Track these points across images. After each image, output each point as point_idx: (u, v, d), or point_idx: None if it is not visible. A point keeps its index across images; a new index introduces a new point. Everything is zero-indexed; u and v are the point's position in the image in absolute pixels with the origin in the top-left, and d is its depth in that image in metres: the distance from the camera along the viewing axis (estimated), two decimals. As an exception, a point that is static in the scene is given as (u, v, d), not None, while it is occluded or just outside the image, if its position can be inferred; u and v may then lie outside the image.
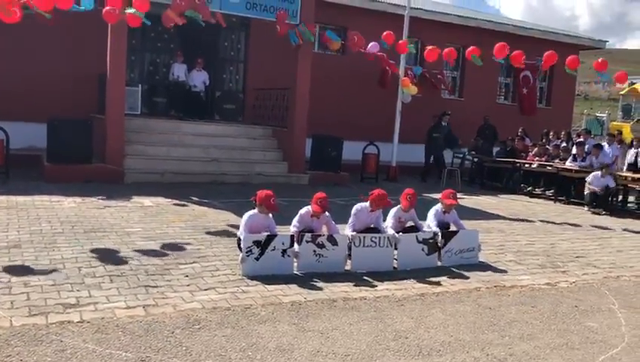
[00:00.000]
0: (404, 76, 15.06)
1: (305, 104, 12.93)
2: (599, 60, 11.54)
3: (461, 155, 16.17)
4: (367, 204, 6.68)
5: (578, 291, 6.27)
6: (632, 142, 13.36)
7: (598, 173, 11.84)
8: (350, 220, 6.67)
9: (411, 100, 15.68)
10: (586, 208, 12.06)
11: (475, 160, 15.75)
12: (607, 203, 11.99)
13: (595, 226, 10.34)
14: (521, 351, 4.47)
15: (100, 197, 9.32)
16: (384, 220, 6.96)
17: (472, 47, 12.52)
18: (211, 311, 4.81)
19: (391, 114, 15.10)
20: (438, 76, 18.23)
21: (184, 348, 4.04)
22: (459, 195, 12.47)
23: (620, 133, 14.94)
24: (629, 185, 12.44)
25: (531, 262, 7.36)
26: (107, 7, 8.97)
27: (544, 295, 6.04)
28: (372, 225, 6.72)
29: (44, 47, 12.80)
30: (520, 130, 16.81)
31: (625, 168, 13.19)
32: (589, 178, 11.95)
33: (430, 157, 16.44)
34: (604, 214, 11.58)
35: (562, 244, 8.61)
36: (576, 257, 7.85)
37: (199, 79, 14.17)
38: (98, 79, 12.28)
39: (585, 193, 12.09)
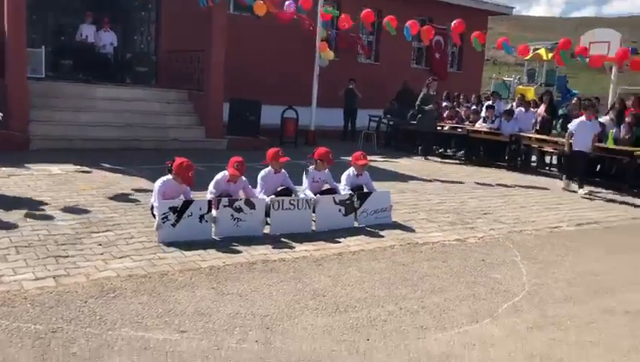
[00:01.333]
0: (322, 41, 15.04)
1: (220, 67, 12.64)
2: (500, 38, 12.12)
3: (377, 119, 16.47)
4: (270, 167, 6.79)
5: (485, 246, 6.65)
6: (529, 103, 14.08)
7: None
8: (259, 186, 6.72)
9: (328, 65, 15.71)
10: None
11: (391, 123, 16.09)
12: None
13: (501, 185, 10.92)
14: (432, 304, 4.71)
15: (2, 165, 8.75)
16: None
17: (388, 15, 12.66)
18: (127, 279, 4.70)
19: (309, 78, 15.08)
20: (357, 41, 18.34)
21: (98, 317, 3.94)
22: (376, 158, 12.95)
23: (523, 96, 15.68)
24: (533, 146, 13.19)
25: (442, 220, 7.69)
26: None
27: (454, 250, 6.36)
28: (281, 187, 6.80)
29: None
30: (445, 93, 17.26)
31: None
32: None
33: (348, 120, 16.70)
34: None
35: (471, 202, 9.04)
36: (484, 214, 8.28)
37: (107, 40, 13.48)
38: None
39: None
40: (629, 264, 6.34)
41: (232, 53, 13.27)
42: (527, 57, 24.93)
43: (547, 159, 13.67)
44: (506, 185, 10.87)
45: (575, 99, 14.68)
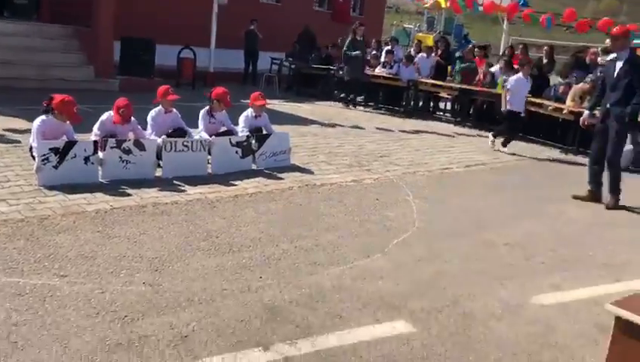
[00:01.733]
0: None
1: (110, 1, 11.76)
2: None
3: (279, 62, 16.19)
4: (161, 107, 6.52)
5: (380, 186, 6.81)
6: (430, 49, 14.40)
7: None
8: (149, 127, 6.43)
9: (228, 4, 15.09)
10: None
11: (292, 66, 15.88)
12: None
13: (399, 130, 11.17)
14: (327, 241, 4.77)
15: None
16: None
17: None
18: (1, 223, 4.35)
19: (208, 17, 14.44)
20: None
21: (-35, 265, 3.63)
22: (278, 101, 12.79)
23: (421, 42, 16.02)
24: (429, 91, 13.57)
25: (340, 163, 7.77)
26: None
27: (350, 191, 6.46)
28: (171, 129, 6.54)
29: None
30: (339, 39, 17.19)
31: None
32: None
33: (249, 63, 16.29)
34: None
35: (369, 146, 9.19)
36: (380, 156, 8.46)
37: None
38: None
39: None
40: (510, 201, 6.76)
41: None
42: (426, 4, 25.45)
43: (441, 105, 14.14)
44: (403, 130, 11.14)
45: (470, 45, 15.19)
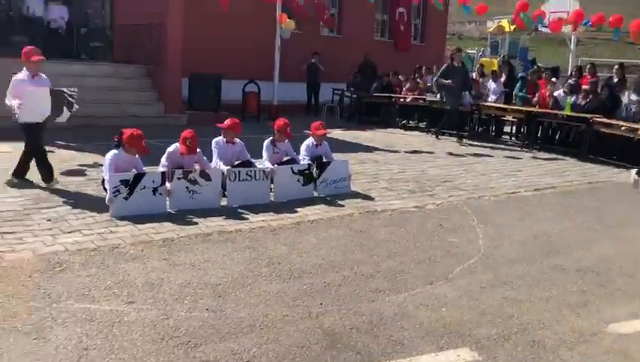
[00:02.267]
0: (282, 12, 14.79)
1: (178, 41, 12.35)
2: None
3: (340, 92, 16.38)
4: (223, 137, 6.73)
5: (443, 212, 6.68)
6: (495, 73, 14.17)
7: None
8: (214, 154, 6.65)
9: (290, 38, 15.49)
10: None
11: (354, 96, 16.02)
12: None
13: (463, 154, 10.99)
14: (387, 267, 4.71)
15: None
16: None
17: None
18: (75, 253, 4.57)
19: (270, 51, 14.86)
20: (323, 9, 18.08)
21: (43, 291, 3.82)
22: (339, 130, 12.89)
23: (483, 66, 15.82)
24: (494, 115, 13.31)
25: (402, 188, 7.71)
26: None
27: (412, 217, 6.38)
28: (237, 160, 6.70)
29: None
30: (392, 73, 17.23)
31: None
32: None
33: (311, 94, 16.59)
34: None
35: (431, 171, 9.08)
36: (443, 182, 8.32)
37: (57, 14, 13.00)
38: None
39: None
40: (582, 225, 6.46)
41: (191, 26, 12.96)
42: (490, 28, 25.15)
43: (507, 128, 13.82)
44: (467, 154, 10.94)
45: (535, 67, 14.85)
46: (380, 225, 5.93)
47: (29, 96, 6.31)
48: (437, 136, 12.79)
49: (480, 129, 13.53)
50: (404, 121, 14.77)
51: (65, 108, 6.85)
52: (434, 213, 6.57)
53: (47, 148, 7.99)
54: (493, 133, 13.63)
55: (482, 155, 10.92)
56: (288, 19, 14.57)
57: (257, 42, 15.92)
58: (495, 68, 16.01)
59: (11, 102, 6.33)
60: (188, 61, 12.67)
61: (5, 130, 9.70)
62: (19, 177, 6.53)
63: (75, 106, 7.02)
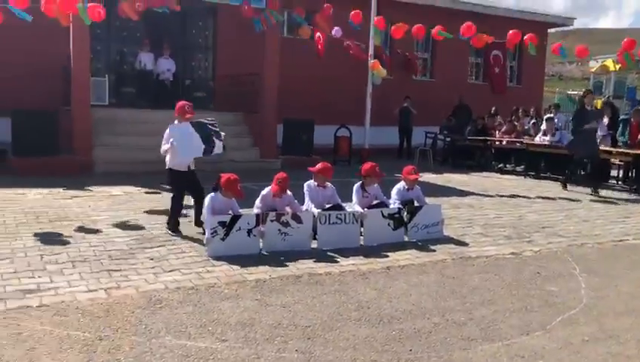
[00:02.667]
0: (374, 59, 15.06)
1: (274, 89, 12.90)
2: (555, 44, 11.71)
3: (433, 135, 16.28)
4: (313, 181, 6.86)
5: (542, 259, 6.38)
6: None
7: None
8: (305, 196, 6.78)
9: (382, 82, 15.69)
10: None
11: (447, 139, 15.86)
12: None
13: (563, 198, 10.49)
14: (481, 316, 4.54)
15: (66, 187, 9.21)
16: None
17: (438, 25, 12.51)
18: (174, 290, 4.80)
19: (362, 96, 15.12)
20: (409, 57, 18.27)
21: (144, 326, 4.03)
22: (432, 174, 12.77)
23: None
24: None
25: (498, 234, 7.46)
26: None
27: (508, 263, 6.14)
28: (328, 203, 6.77)
29: (6, 41, 12.54)
30: (492, 109, 16.99)
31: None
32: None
33: (403, 138, 16.62)
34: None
35: (530, 216, 8.73)
36: (543, 228, 7.97)
37: (165, 67, 14.06)
38: (62, 70, 12.08)
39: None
40: (701, 277, 5.92)
41: (286, 74, 13.52)
42: (593, 68, 24.15)
43: (613, 172, 13.05)
44: (568, 199, 10.44)
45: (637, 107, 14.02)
46: (474, 272, 5.75)
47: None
48: (564, 186, 11.53)
49: (583, 172, 12.87)
50: (501, 165, 14.38)
51: (215, 140, 6.75)
52: (531, 261, 6.29)
53: (153, 191, 8.58)
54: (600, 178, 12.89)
55: (585, 201, 10.36)
56: (380, 67, 14.78)
57: (349, 88, 16.28)
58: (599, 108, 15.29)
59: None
60: (281, 106, 13.16)
61: (119, 175, 10.50)
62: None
63: (222, 133, 6.83)
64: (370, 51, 14.65)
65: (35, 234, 6.35)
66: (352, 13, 13.25)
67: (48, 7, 8.72)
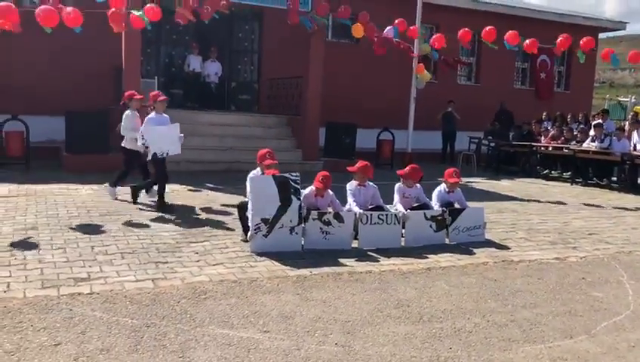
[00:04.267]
0: (419, 62, 14.99)
1: (317, 92, 12.99)
2: (605, 49, 11.39)
3: (477, 140, 16.08)
4: (354, 180, 6.89)
5: (587, 265, 6.26)
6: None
7: None
8: (349, 197, 6.80)
9: (426, 87, 15.60)
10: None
11: (492, 144, 15.63)
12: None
13: (612, 206, 10.22)
14: (522, 318, 4.50)
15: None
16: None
17: (484, 30, 12.35)
18: (218, 283, 4.93)
19: (405, 100, 15.05)
20: (455, 59, 18.04)
21: (189, 315, 4.16)
22: (476, 179, 12.62)
23: (637, 114, 14.72)
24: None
25: (542, 239, 7.34)
26: (112, 9, 9.01)
27: (552, 268, 6.04)
28: (370, 204, 6.80)
29: (60, 42, 13.04)
30: (544, 114, 16.67)
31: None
32: None
33: (446, 143, 16.48)
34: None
35: (576, 223, 8.55)
36: (589, 234, 7.80)
37: (212, 70, 14.36)
38: (115, 72, 12.49)
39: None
40: None
41: (329, 78, 13.62)
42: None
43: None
44: (616, 206, 10.17)
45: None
46: (517, 276, 5.69)
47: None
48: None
49: (633, 179, 12.49)
50: (546, 171, 14.09)
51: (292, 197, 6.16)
52: (576, 266, 6.18)
53: (196, 188, 8.91)
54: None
55: (635, 208, 10.07)
56: (425, 71, 14.70)
57: (392, 91, 16.25)
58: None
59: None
60: (324, 109, 13.25)
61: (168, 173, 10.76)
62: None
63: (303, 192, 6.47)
64: (415, 54, 14.56)
65: (87, 227, 6.61)
66: (397, 21, 13.21)
67: (114, 17, 9.02)
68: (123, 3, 8.97)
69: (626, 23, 21.74)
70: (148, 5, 9.20)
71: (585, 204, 10.24)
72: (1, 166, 10.66)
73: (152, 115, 8.06)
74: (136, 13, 9.06)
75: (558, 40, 12.03)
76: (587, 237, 7.59)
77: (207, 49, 14.50)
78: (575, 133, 13.96)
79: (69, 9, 8.41)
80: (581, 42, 11.41)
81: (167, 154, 8.11)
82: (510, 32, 12.00)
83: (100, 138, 11.14)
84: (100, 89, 13.09)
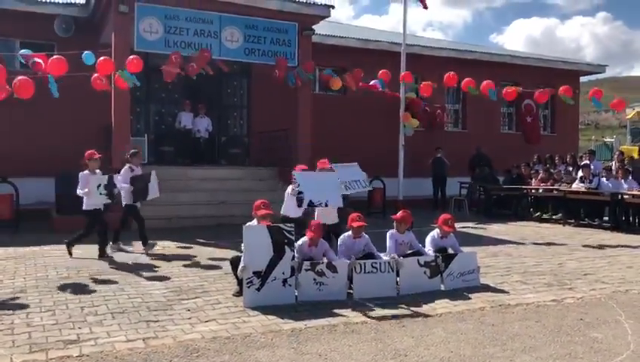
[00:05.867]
0: (405, 111, 15.22)
1: (307, 143, 13.14)
2: (594, 89, 11.62)
3: (467, 185, 16.18)
4: (350, 232, 6.84)
5: (584, 305, 6.19)
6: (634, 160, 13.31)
7: None
8: (339, 250, 6.75)
9: (414, 134, 15.80)
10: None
11: (481, 189, 15.72)
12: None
13: (605, 245, 10.22)
14: (523, 363, 4.41)
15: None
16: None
17: (466, 78, 12.62)
18: (211, 340, 4.82)
19: (394, 148, 15.21)
20: (438, 111, 18.37)
21: (181, 375, 4.05)
22: (468, 224, 12.62)
23: (623, 153, 14.91)
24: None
25: (537, 282, 7.28)
26: (95, 75, 9.16)
27: (549, 310, 5.97)
28: (362, 254, 6.76)
29: (49, 104, 13.16)
30: (535, 156, 16.84)
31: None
32: None
33: (437, 189, 16.55)
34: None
35: (570, 264, 8.51)
36: (584, 275, 7.75)
37: (202, 125, 14.52)
38: (104, 131, 12.57)
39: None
40: None
41: (318, 128, 13.79)
42: (629, 115, 23.85)
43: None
44: (609, 246, 10.16)
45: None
46: (514, 319, 5.61)
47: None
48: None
49: (623, 219, 12.54)
50: (538, 213, 14.14)
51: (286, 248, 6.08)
52: (574, 307, 6.11)
53: (186, 245, 8.87)
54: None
55: (628, 247, 10.07)
56: (411, 119, 14.93)
57: (381, 140, 16.42)
58: (637, 156, 15.06)
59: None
60: (315, 160, 13.32)
61: (157, 230, 10.70)
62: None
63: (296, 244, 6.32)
64: (401, 104, 14.82)
65: (77, 287, 6.50)
66: (381, 72, 13.51)
67: (96, 82, 9.17)
68: (112, 68, 9.10)
69: (605, 65, 22.33)
70: (130, 58, 9.34)
71: (579, 245, 10.22)
72: (-10, 229, 10.58)
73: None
74: (119, 73, 9.21)
75: (538, 92, 12.27)
76: (583, 278, 7.54)
77: (196, 105, 14.69)
78: (562, 174, 14.09)
79: (20, 77, 8.16)
80: (561, 89, 11.66)
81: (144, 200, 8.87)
82: (485, 81, 12.24)
83: (89, 198, 11.08)
84: (92, 148, 13.10)
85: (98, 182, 8.26)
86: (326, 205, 6.79)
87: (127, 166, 9.05)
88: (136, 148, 9.60)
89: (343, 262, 6.38)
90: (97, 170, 8.42)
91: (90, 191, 8.19)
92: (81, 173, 8.36)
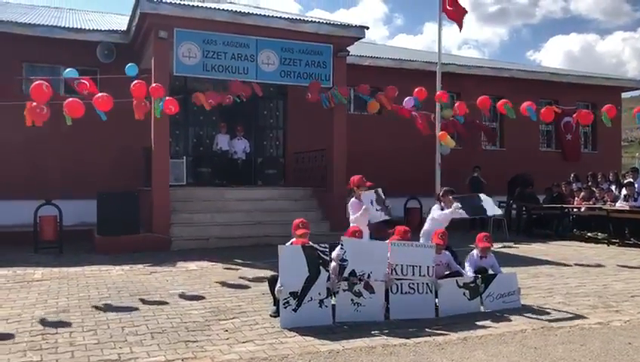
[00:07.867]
0: (442, 130, 15.09)
1: (342, 164, 13.14)
2: (636, 108, 11.31)
3: (506, 204, 15.89)
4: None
5: (632, 329, 5.97)
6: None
7: None
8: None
9: (451, 153, 15.64)
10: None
11: (522, 208, 15.41)
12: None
13: (652, 266, 9.87)
14: (568, 388, 4.27)
15: (146, 264, 9.59)
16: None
17: (503, 99, 12.41)
18: (248, 361, 4.83)
19: (431, 167, 15.07)
20: (482, 127, 18.16)
21: (219, 395, 4.06)
22: (508, 244, 12.37)
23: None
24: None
25: (582, 303, 7.07)
26: (135, 101, 9.34)
27: (595, 334, 5.78)
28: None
29: (90, 127, 13.56)
30: (572, 175, 16.49)
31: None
32: None
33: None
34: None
35: (616, 285, 8.24)
36: (632, 296, 7.49)
37: (240, 147, 14.70)
38: (143, 153, 12.84)
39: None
40: None
41: (354, 148, 13.79)
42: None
43: None
44: (657, 267, 9.81)
45: None
46: (557, 342, 5.45)
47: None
48: None
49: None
50: (581, 233, 13.76)
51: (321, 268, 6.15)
52: (620, 331, 5.90)
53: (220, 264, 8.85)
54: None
55: (677, 267, 9.70)
56: (448, 138, 14.78)
57: (418, 159, 16.30)
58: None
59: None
60: (348, 178, 13.31)
61: (195, 251, 10.84)
62: None
63: (332, 264, 6.38)
64: (437, 123, 14.70)
65: (118, 308, 6.61)
66: (416, 90, 13.45)
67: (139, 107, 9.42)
68: (144, 92, 9.26)
69: (647, 80, 21.79)
70: (167, 98, 9.55)
71: (624, 266, 9.90)
72: (35, 251, 10.89)
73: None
74: (155, 107, 9.44)
75: (579, 112, 11.92)
76: (630, 300, 7.29)
77: (234, 127, 14.90)
78: (603, 194, 13.71)
79: (101, 94, 8.78)
80: (608, 107, 11.36)
81: None
82: (526, 102, 11.95)
83: (130, 218, 11.34)
84: (132, 168, 13.43)
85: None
86: (368, 276, 6.31)
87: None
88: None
89: (380, 283, 6.32)
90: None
91: (367, 208, 8.02)
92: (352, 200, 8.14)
